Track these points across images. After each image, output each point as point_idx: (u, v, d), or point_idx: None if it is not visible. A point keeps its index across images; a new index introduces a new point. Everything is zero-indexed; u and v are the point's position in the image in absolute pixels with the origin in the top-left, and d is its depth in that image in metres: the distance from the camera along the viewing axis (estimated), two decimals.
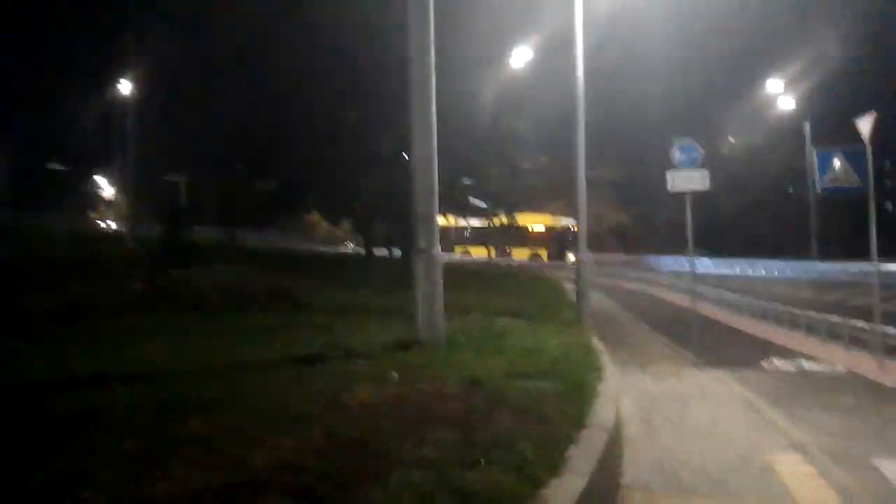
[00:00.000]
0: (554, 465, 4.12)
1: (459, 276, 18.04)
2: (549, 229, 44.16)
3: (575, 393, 6.04)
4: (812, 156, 11.45)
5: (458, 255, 44.87)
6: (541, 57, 24.47)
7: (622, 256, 43.54)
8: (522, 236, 44.52)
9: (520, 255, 44.47)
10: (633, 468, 5.60)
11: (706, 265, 30.80)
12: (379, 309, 13.14)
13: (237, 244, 28.48)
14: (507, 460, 4.07)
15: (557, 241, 42.62)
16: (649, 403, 8.08)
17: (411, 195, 8.35)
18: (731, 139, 42.57)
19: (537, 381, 6.31)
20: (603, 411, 5.60)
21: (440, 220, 40.59)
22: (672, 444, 6.48)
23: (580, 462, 4.25)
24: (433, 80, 8.40)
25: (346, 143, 24.23)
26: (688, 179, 11.47)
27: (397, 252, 30.48)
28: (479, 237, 44.82)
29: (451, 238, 48.29)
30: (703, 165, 11.72)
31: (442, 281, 8.26)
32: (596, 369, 7.54)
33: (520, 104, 27.26)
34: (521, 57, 25.70)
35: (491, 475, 3.81)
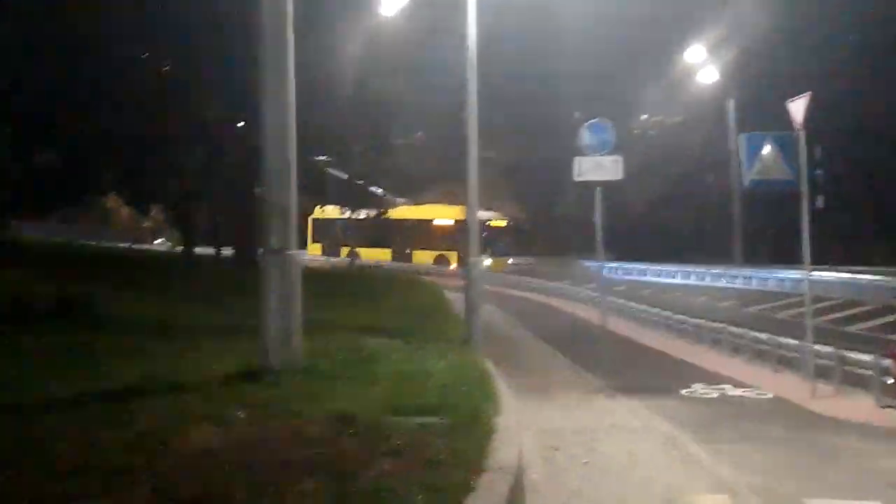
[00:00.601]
0: None
1: (322, 284, 18.05)
2: (460, 225, 42.96)
3: (469, 429, 6.31)
4: (740, 141, 12.34)
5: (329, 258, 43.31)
6: (422, 8, 24.80)
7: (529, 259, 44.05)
8: (426, 234, 43.68)
9: (422, 258, 43.21)
10: None
11: (613, 270, 32.34)
12: (210, 326, 12.91)
13: (6, 238, 26.75)
14: None
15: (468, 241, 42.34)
16: (554, 439, 8.52)
17: (260, 179, 8.38)
18: (644, 117, 44.90)
19: (423, 416, 6.54)
20: (504, 451, 5.88)
21: (320, 212, 38.42)
22: (582, 488, 6.91)
23: None
24: (290, 27, 8.41)
25: (157, 104, 23.26)
26: (597, 167, 12.14)
27: (228, 251, 29.89)
28: (369, 234, 43.50)
29: (335, 236, 46.59)
30: (616, 150, 12.42)
31: (300, 290, 8.32)
32: (492, 399, 7.87)
33: (393, 65, 27.46)
34: (393, 2, 25.88)
35: None
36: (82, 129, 23.49)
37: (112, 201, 38.26)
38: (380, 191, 40.36)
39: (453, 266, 39.90)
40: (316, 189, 29.67)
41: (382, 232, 43.34)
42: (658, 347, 17.17)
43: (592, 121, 12.60)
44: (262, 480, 4.81)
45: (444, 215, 42.39)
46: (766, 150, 12.16)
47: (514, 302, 28.60)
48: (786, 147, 12.05)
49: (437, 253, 42.91)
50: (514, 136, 43.29)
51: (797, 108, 12.00)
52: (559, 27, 37.46)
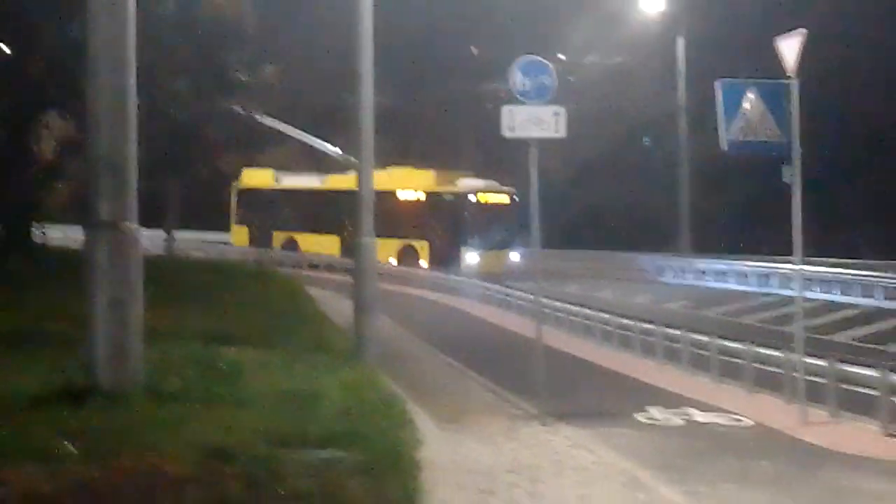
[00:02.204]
0: None
1: (165, 275, 17.88)
2: (433, 200, 36.55)
3: (387, 468, 6.45)
4: (717, 91, 12.75)
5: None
6: None
7: None
8: (387, 214, 35.50)
9: (383, 251, 38.21)
10: None
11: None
12: (5, 326, 12.70)
13: None
14: None
15: (447, 226, 35.84)
16: (484, 485, 8.68)
17: (86, 121, 8.24)
18: (561, 56, 45.50)
19: (323, 451, 6.66)
20: (447, 490, 6.09)
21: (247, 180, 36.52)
22: None
23: None
24: None
25: None
26: (534, 119, 12.33)
27: None
28: (313, 214, 39.95)
29: (266, 216, 42.04)
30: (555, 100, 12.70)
31: (141, 281, 8.26)
32: (406, 427, 8.04)
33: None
34: None
35: None
36: None
37: None
38: (332, 148, 38.98)
39: (424, 265, 35.77)
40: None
41: (328, 211, 38.54)
42: (599, 362, 17.65)
43: (526, 58, 12.80)
44: None
45: (409, 184, 37.18)
46: (750, 102, 12.64)
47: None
48: (775, 99, 12.57)
49: (401, 242, 36.87)
50: (399, 75, 42.96)
51: (789, 48, 12.51)
52: None
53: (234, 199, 43.02)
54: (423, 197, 36.12)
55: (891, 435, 11.69)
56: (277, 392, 8.60)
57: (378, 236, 37.82)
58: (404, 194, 36.49)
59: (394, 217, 34.82)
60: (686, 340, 17.14)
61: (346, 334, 14.51)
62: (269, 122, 38.11)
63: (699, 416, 13.09)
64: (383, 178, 36.18)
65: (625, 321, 19.99)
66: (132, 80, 8.35)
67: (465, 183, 34.03)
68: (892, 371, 12.35)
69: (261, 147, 42.47)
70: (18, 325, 13.40)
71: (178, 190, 34.21)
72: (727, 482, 9.57)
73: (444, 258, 34.05)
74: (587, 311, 21.67)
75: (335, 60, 30.17)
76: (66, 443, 6.41)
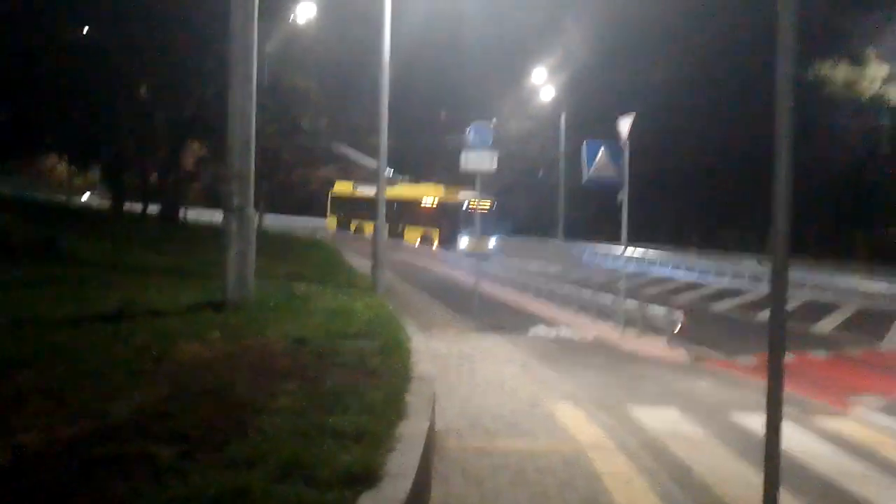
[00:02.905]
0: (398, 409, 4.81)
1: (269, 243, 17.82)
2: (442, 205, 35.35)
3: (394, 350, 6.76)
4: (583, 146, 13.01)
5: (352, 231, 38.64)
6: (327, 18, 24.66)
7: None
8: (415, 212, 36.86)
9: (411, 235, 36.95)
10: (441, 417, 6.48)
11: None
12: (159, 266, 12.77)
13: None
14: (359, 406, 4.67)
15: (450, 221, 34.06)
16: (443, 362, 9.11)
17: (226, 150, 8.42)
18: (494, 121, 45.90)
19: (357, 341, 6.93)
20: (422, 366, 6.43)
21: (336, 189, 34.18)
22: (469, 396, 7.56)
23: (419, 406, 5.00)
24: (255, 22, 8.49)
25: (98, 73, 22.14)
26: (479, 159, 12.70)
27: (155, 208, 28.80)
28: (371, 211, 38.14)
29: (346, 211, 40.31)
30: (492, 147, 13.02)
31: (255, 242, 8.51)
32: (403, 331, 8.35)
33: (302, 61, 27.17)
34: (304, 13, 25.74)
35: (350, 418, 4.38)
36: (32, 88, 22.05)
37: (52, 159, 35.80)
38: (389, 171, 38.44)
39: (435, 245, 34.62)
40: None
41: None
42: (515, 303, 17.98)
43: (477, 123, 13.10)
44: (252, 381, 5.13)
45: (428, 194, 36.75)
46: (602, 154, 12.98)
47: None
48: (615, 153, 12.92)
49: (423, 230, 36.47)
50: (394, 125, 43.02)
51: (624, 124, 12.85)
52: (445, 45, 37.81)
53: (329, 200, 42.25)
54: (436, 202, 35.56)
55: (672, 346, 12.18)
56: (329, 308, 8.70)
57: (412, 226, 36.93)
58: (426, 200, 36.31)
59: (419, 215, 36.22)
60: (563, 291, 17.57)
61: (365, 279, 14.56)
62: (346, 151, 38.48)
63: (564, 332, 13.45)
64: (413, 190, 37.39)
65: (524, 276, 20.44)
66: (253, 126, 8.54)
67: (463, 193, 32.40)
68: (675, 310, 12.87)
69: (318, 166, 41.98)
70: (175, 264, 13.54)
71: (268, 190, 33.76)
72: (577, 367, 9.97)
73: (448, 241, 33.13)
74: (513, 273, 21.79)
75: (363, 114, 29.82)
76: (214, 331, 6.73)
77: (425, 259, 29.67)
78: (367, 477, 3.48)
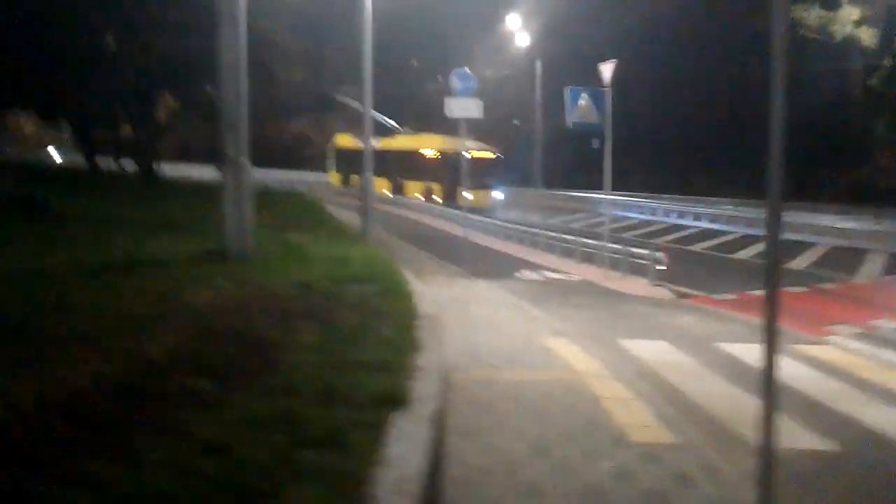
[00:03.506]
0: (412, 343, 5.10)
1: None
2: (444, 156, 31.94)
3: (396, 293, 7.03)
4: (565, 92, 13.25)
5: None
6: None
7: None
8: (416, 165, 33.89)
9: (413, 190, 34.00)
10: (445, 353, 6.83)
11: None
12: (149, 221, 12.74)
13: None
14: (375, 342, 4.95)
15: (453, 174, 30.02)
16: (439, 305, 9.36)
17: (219, 103, 8.47)
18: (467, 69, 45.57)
19: (359, 285, 7.16)
20: (425, 305, 6.70)
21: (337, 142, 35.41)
22: (468, 335, 7.90)
23: (429, 341, 5.29)
24: None
25: (60, 22, 21.51)
26: (464, 107, 12.83)
27: (130, 165, 28.41)
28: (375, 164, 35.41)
29: (347, 165, 36.52)
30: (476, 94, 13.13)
31: (250, 192, 8.63)
32: (401, 275, 8.60)
33: (276, 11, 26.57)
34: None
35: (369, 352, 4.66)
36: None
37: (19, 116, 34.94)
38: (390, 121, 35.11)
39: (439, 199, 31.54)
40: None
41: (382, 163, 33.39)
42: (501, 250, 18.32)
43: (459, 70, 13.16)
44: (269, 321, 5.37)
45: (429, 145, 33.33)
46: (583, 100, 13.21)
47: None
48: (597, 99, 13.16)
49: (424, 185, 33.48)
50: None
51: (606, 70, 13.07)
52: None
53: (329, 154, 40.01)
54: (438, 154, 32.67)
55: (655, 285, 12.70)
56: (325, 256, 8.83)
57: (412, 180, 33.94)
58: (426, 152, 33.69)
59: (420, 168, 33.70)
60: (545, 236, 17.92)
61: (353, 231, 14.67)
62: (346, 100, 36.21)
63: (550, 275, 13.91)
64: (413, 141, 34.47)
65: (509, 225, 20.77)
66: (245, 77, 8.56)
67: (465, 144, 30.61)
68: (655, 251, 13.31)
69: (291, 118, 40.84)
70: (164, 218, 13.51)
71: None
72: (564, 307, 10.44)
73: (452, 196, 30.24)
74: (497, 221, 22.01)
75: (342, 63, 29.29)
76: (220, 278, 6.92)
77: (416, 213, 29.70)
78: (398, 399, 3.77)
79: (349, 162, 36.90)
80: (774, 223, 3.57)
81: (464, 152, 29.18)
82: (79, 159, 30.38)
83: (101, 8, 21.95)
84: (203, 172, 42.76)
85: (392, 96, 44.46)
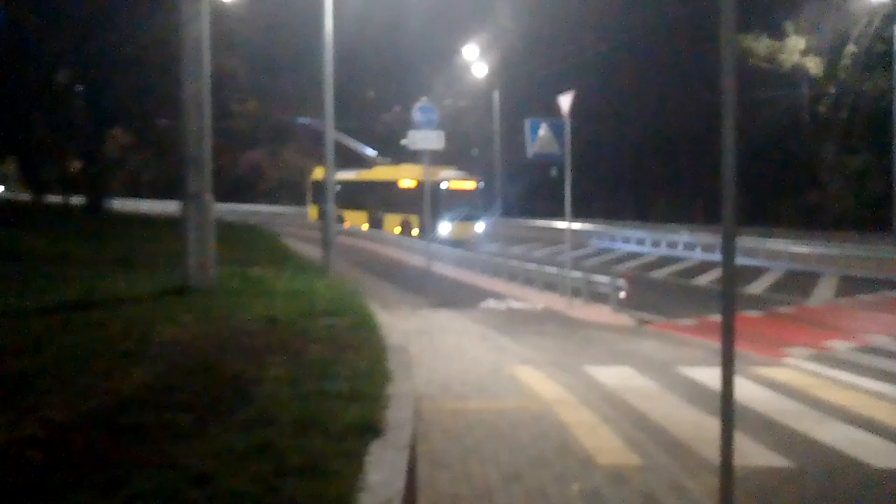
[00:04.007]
0: (383, 374, 5.26)
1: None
2: (421, 187, 26.76)
3: (364, 326, 7.15)
4: (525, 124, 13.58)
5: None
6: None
7: None
8: (395, 197, 31.34)
9: (391, 224, 31.34)
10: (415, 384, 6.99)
11: None
12: (104, 258, 12.69)
13: None
14: (347, 373, 5.10)
15: (429, 206, 24.08)
16: (405, 336, 9.55)
17: (181, 137, 8.58)
18: (426, 98, 46.27)
19: (327, 318, 7.29)
20: (394, 337, 6.87)
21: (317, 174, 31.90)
22: (435, 365, 8.08)
23: (401, 372, 5.44)
24: (207, 6, 8.63)
25: (11, 56, 21.43)
26: (426, 139, 13.12)
27: (77, 199, 28.08)
28: (353, 197, 32.55)
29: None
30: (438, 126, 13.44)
31: (213, 227, 8.72)
32: (367, 308, 8.73)
33: (231, 42, 26.80)
34: None
35: (342, 383, 4.81)
36: None
37: None
38: (370, 151, 34.09)
39: (415, 232, 28.90)
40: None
41: (361, 195, 33.23)
42: (463, 280, 18.48)
43: (422, 103, 13.49)
44: (239, 356, 5.48)
45: (407, 175, 30.74)
46: (543, 131, 13.58)
47: None
48: (556, 130, 13.55)
49: (402, 217, 30.75)
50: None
51: (565, 101, 13.46)
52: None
53: (309, 187, 37.82)
54: (415, 184, 29.39)
55: (617, 312, 13.02)
56: (290, 290, 8.87)
57: (389, 214, 30.69)
58: (404, 182, 31.01)
59: (398, 200, 31.13)
60: (508, 265, 18.24)
61: (314, 264, 14.70)
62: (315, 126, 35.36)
63: (514, 304, 14.17)
64: (392, 172, 31.86)
65: (470, 254, 21.06)
66: (208, 112, 8.67)
67: (444, 173, 28.09)
68: (616, 279, 13.68)
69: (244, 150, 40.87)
70: (119, 254, 13.40)
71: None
72: (530, 334, 10.69)
73: (430, 229, 25.52)
74: (458, 251, 22.20)
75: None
76: (186, 314, 6.98)
77: (376, 244, 29.70)
78: (373, 428, 3.94)
79: (323, 195, 34.77)
80: (729, 247, 3.87)
81: (441, 183, 27.18)
82: (24, 195, 29.89)
83: (53, 42, 21.91)
84: (154, 207, 42.64)
85: (350, 128, 45.12)
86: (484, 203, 29.78)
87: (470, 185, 29.19)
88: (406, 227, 30.12)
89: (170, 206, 45.35)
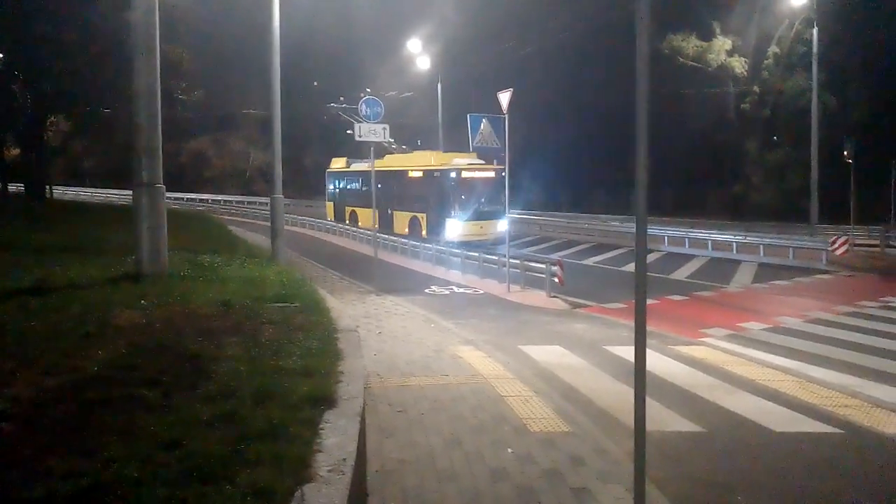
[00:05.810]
0: (334, 353, 5.56)
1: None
2: (430, 176, 24.70)
3: (315, 310, 7.40)
4: (468, 118, 13.94)
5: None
6: None
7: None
8: (404, 190, 26.21)
9: (400, 222, 26.36)
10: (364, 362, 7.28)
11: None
12: (57, 246, 12.50)
13: None
14: (300, 352, 5.37)
15: (441, 199, 23.78)
16: (353, 320, 9.80)
17: (133, 126, 8.61)
18: (369, 90, 46.16)
19: (278, 303, 7.52)
20: (343, 321, 7.15)
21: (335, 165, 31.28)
22: (382, 346, 8.39)
23: (351, 351, 5.75)
24: (156, 5, 8.67)
25: None
26: (372, 132, 13.32)
27: (15, 187, 27.25)
28: (363, 192, 28.45)
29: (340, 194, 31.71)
30: (383, 119, 13.66)
31: (165, 215, 8.80)
32: (317, 293, 8.96)
33: (175, 30, 26.31)
34: None
35: (296, 361, 5.09)
36: None
37: None
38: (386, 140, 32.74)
39: (424, 232, 24.51)
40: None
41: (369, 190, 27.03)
42: (408, 266, 18.80)
43: (368, 97, 13.67)
44: (197, 337, 5.68)
45: (419, 164, 25.68)
46: (483, 126, 13.99)
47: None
48: (496, 125, 13.97)
49: (410, 214, 25.78)
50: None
51: (504, 98, 13.89)
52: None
53: (327, 180, 33.73)
54: (424, 174, 25.02)
55: (551, 297, 13.53)
56: (241, 276, 9.05)
57: (399, 210, 26.00)
58: (413, 173, 25.61)
59: (408, 193, 26.02)
60: (448, 252, 18.63)
61: (262, 251, 14.75)
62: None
63: (456, 289, 14.56)
64: (404, 161, 27.22)
65: (416, 244, 21.31)
66: (158, 101, 8.72)
67: (456, 161, 23.67)
68: (551, 266, 14.19)
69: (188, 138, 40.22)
70: (62, 243, 13.22)
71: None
72: (472, 318, 11.05)
73: (439, 227, 23.78)
74: (403, 239, 22.29)
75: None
76: (140, 299, 7.11)
77: (322, 233, 29.52)
78: (327, 399, 4.25)
79: (342, 190, 31.98)
80: (641, 230, 4.28)
81: (452, 171, 22.22)
82: None
83: None
84: (97, 195, 41.47)
85: (294, 117, 44.78)
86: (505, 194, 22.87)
87: (489, 173, 23.53)
88: (414, 227, 25.39)
89: (113, 194, 44.58)
